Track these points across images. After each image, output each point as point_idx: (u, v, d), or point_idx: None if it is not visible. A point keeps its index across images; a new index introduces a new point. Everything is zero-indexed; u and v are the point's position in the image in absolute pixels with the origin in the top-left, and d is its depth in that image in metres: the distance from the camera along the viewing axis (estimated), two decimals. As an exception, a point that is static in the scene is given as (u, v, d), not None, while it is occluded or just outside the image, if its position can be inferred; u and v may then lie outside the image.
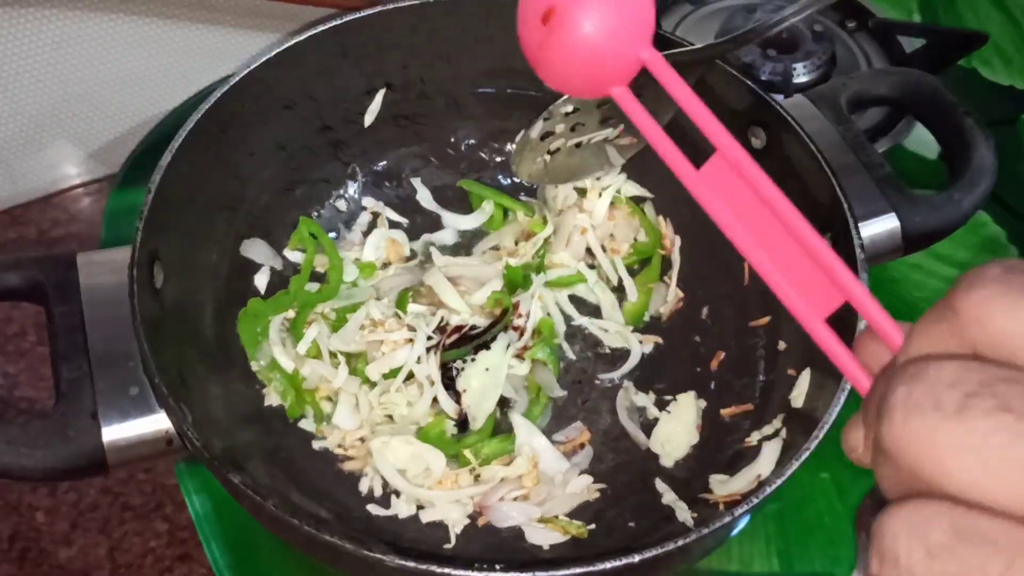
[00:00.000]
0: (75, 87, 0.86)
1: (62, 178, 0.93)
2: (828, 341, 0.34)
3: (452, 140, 0.80)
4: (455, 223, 0.78)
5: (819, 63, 0.90)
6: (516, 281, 0.73)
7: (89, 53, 0.84)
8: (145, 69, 0.88)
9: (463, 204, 0.80)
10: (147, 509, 0.80)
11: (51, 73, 0.84)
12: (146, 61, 0.87)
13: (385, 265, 0.74)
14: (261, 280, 0.72)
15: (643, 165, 0.78)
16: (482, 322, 0.69)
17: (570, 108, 0.61)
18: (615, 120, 0.64)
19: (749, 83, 0.67)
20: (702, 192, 0.37)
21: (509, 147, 0.81)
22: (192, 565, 0.78)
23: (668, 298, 0.75)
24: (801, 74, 0.90)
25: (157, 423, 0.54)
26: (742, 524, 0.59)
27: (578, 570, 0.50)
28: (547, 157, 0.65)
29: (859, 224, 0.61)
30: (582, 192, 0.78)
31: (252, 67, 0.66)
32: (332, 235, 0.76)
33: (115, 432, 0.53)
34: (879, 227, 0.66)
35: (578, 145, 0.65)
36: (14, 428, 0.51)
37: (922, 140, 0.90)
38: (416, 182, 0.79)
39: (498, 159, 0.81)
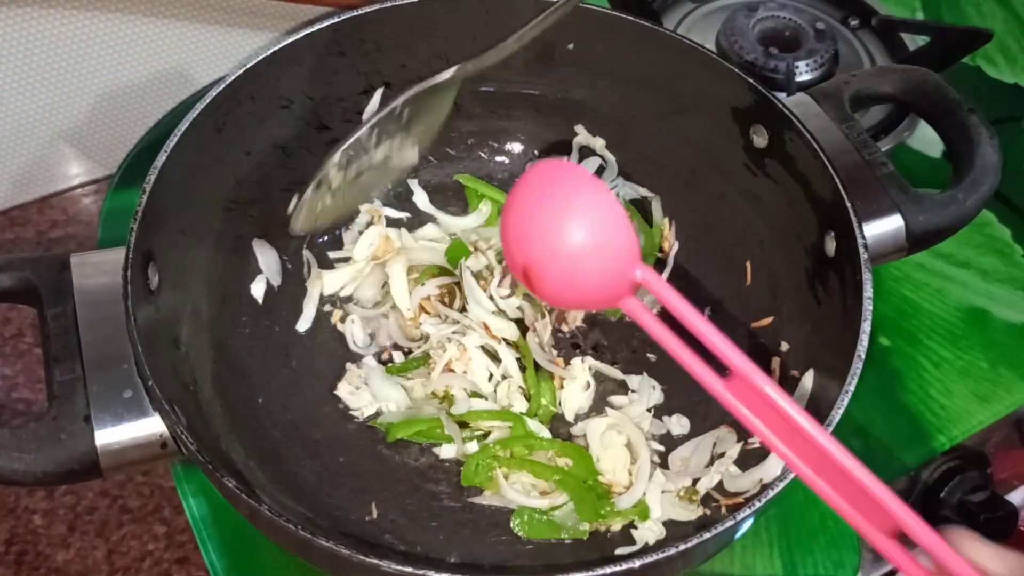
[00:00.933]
0: (73, 87, 0.85)
1: (60, 179, 0.93)
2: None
3: (451, 139, 0.79)
4: (452, 225, 0.78)
5: (822, 61, 0.90)
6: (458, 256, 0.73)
7: (87, 53, 0.84)
8: (143, 69, 0.88)
9: (461, 204, 0.79)
10: (145, 512, 0.80)
11: (49, 73, 0.83)
12: (144, 61, 0.87)
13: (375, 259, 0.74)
14: (258, 289, 0.71)
15: (642, 164, 0.78)
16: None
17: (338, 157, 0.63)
18: (388, 134, 0.65)
19: (751, 81, 0.67)
20: (731, 402, 0.36)
21: (509, 146, 0.80)
22: (190, 568, 0.77)
23: None
24: (803, 72, 0.89)
25: (151, 426, 0.53)
26: (745, 527, 0.59)
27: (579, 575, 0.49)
28: (327, 200, 0.66)
29: (863, 224, 0.61)
30: None
31: (248, 66, 0.65)
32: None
33: (108, 435, 0.52)
34: (883, 227, 0.65)
35: (358, 175, 0.66)
36: (5, 432, 0.50)
37: (925, 138, 0.89)
38: (413, 184, 0.79)
39: (497, 158, 0.81)
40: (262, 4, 0.87)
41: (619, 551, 0.62)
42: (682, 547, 0.49)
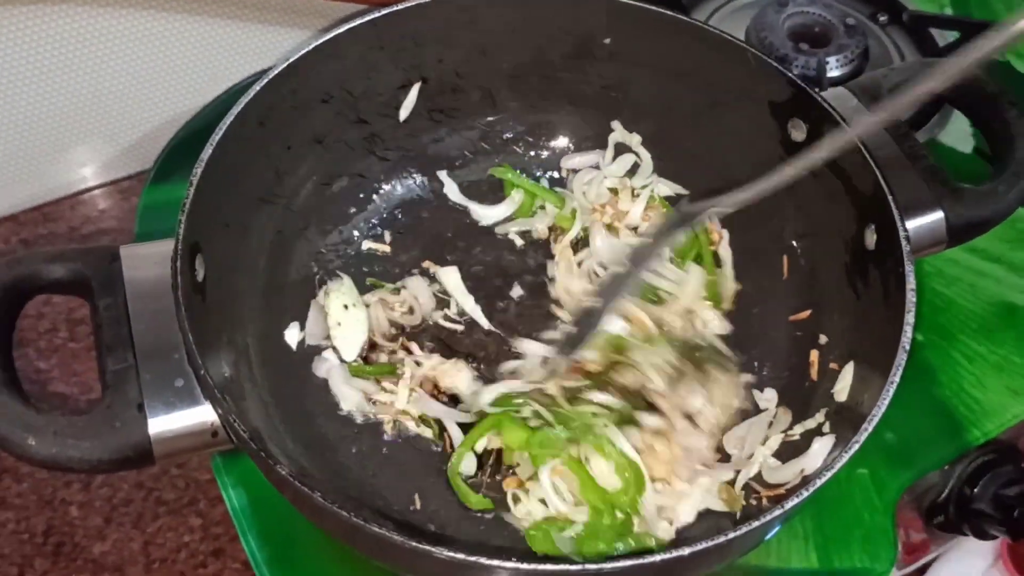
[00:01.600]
0: (103, 84, 0.86)
1: (92, 175, 0.93)
2: None
3: (486, 134, 0.79)
4: (484, 214, 0.78)
5: (852, 56, 0.90)
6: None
7: (117, 50, 0.84)
8: (173, 66, 0.88)
9: (496, 198, 0.79)
10: (180, 504, 0.80)
11: (79, 70, 0.84)
12: (174, 58, 0.88)
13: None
14: (292, 336, 0.70)
15: (677, 160, 0.78)
16: None
17: None
18: None
19: (790, 75, 0.67)
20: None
21: (545, 140, 0.81)
22: (225, 560, 0.78)
23: (725, 292, 0.74)
24: (834, 68, 0.89)
25: (203, 415, 0.54)
26: (785, 521, 0.59)
27: (626, 563, 0.49)
28: None
29: (904, 217, 0.61)
30: (614, 191, 0.77)
31: (291, 59, 0.66)
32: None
33: (161, 424, 0.53)
34: (923, 220, 0.65)
35: None
36: (62, 419, 0.51)
37: (957, 133, 0.89)
38: (442, 175, 0.79)
39: (533, 152, 0.81)
40: (296, 2, 0.88)
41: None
42: (731, 535, 0.50)
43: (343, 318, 0.68)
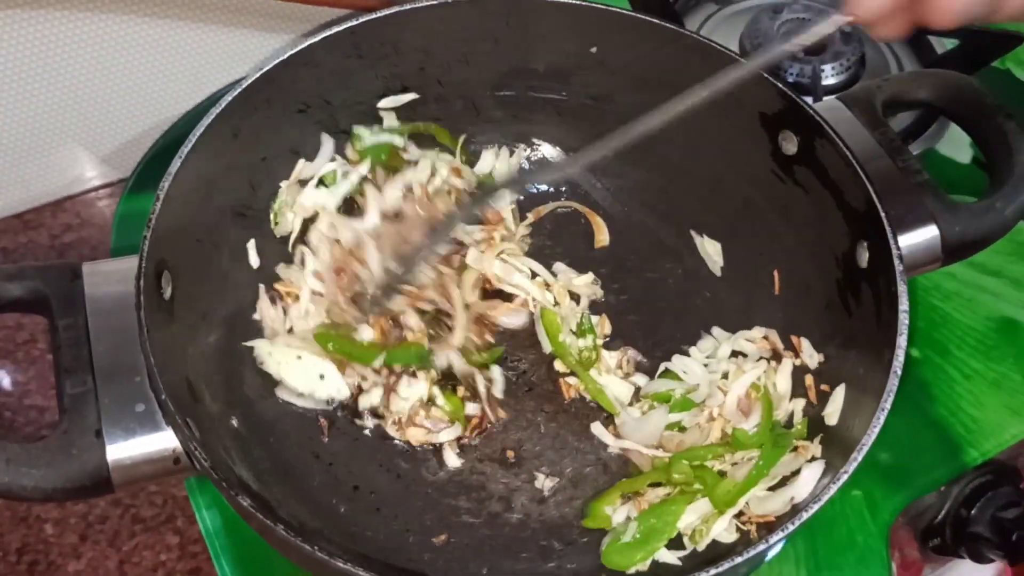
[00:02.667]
0: (86, 90, 0.84)
1: (74, 182, 0.92)
2: None
3: (471, 143, 0.77)
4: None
5: (848, 64, 0.88)
6: None
7: (100, 55, 0.83)
8: (157, 71, 0.87)
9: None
10: (158, 522, 0.79)
11: (62, 76, 0.82)
12: (158, 63, 0.86)
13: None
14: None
15: (665, 175, 0.76)
16: None
17: None
18: None
19: (780, 86, 0.65)
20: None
21: (528, 152, 0.79)
22: (203, 579, 0.76)
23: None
24: (829, 76, 0.87)
25: (164, 441, 0.52)
26: (778, 549, 0.57)
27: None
28: None
29: (897, 234, 0.59)
30: None
31: (265, 69, 0.64)
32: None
33: (120, 450, 0.51)
34: (918, 237, 0.63)
35: None
36: (15, 446, 0.49)
37: (954, 143, 0.87)
38: None
39: (516, 163, 0.79)
40: (278, 6, 0.86)
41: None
42: (712, 572, 0.48)
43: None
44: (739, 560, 0.48)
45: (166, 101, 0.89)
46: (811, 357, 0.66)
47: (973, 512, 0.73)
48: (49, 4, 0.77)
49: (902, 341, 0.55)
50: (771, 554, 0.52)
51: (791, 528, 0.49)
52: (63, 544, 0.77)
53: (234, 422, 0.60)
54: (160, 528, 0.78)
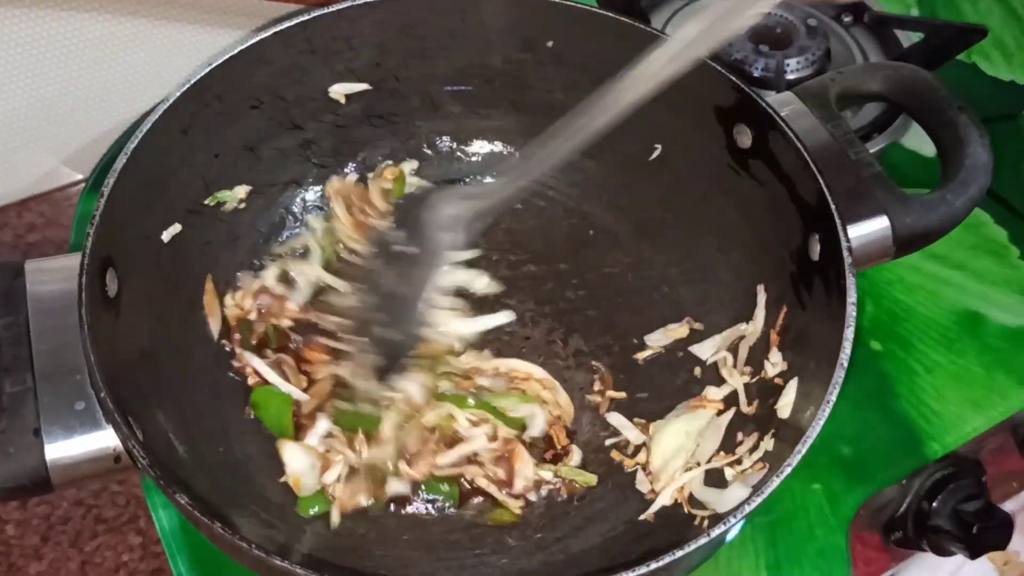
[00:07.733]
0: (49, 89, 0.84)
1: (39, 181, 0.91)
2: None
3: (428, 139, 0.77)
4: None
5: (813, 58, 0.87)
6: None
7: (63, 53, 0.82)
8: (120, 70, 0.86)
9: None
10: (120, 522, 0.78)
11: (24, 74, 0.82)
12: (121, 61, 0.85)
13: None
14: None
15: (623, 170, 0.75)
16: None
17: None
18: None
19: (733, 79, 0.65)
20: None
21: (486, 146, 0.79)
22: (165, 579, 0.76)
23: None
24: (794, 70, 0.87)
25: (104, 440, 0.51)
26: (730, 537, 0.56)
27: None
28: None
29: (847, 225, 0.59)
30: None
31: (213, 65, 0.63)
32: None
33: (59, 449, 0.51)
34: (869, 228, 0.63)
35: None
36: (-50, 447, 0.49)
37: (920, 137, 0.86)
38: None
39: (474, 159, 0.79)
40: (234, 2, 0.85)
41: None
42: (665, 560, 0.47)
43: None
44: (689, 549, 0.48)
45: (130, 99, 0.88)
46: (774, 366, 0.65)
47: (935, 505, 0.73)
48: (8, 2, 0.76)
49: (849, 334, 0.54)
50: (730, 536, 0.52)
51: (732, 522, 0.49)
52: (24, 545, 0.76)
53: (185, 421, 0.59)
54: (122, 528, 0.78)
